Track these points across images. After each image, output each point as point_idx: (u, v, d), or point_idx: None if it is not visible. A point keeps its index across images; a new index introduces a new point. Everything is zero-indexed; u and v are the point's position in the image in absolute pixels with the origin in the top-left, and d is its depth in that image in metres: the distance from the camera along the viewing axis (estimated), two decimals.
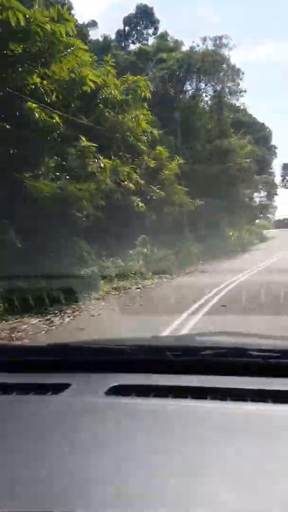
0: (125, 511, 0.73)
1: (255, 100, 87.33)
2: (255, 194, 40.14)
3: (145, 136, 14.03)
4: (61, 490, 0.78)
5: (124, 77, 13.60)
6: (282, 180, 52.07)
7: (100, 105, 11.86)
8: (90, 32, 20.26)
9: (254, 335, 1.92)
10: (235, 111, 31.36)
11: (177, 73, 23.21)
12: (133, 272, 10.92)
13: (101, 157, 9.74)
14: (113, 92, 12.03)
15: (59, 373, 1.36)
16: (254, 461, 0.86)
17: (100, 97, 12.06)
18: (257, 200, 40.13)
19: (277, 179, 45.64)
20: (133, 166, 12.18)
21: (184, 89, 24.50)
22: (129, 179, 12.04)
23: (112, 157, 11.15)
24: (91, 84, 11.13)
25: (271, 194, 39.84)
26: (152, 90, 15.85)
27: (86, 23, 21.52)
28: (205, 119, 24.80)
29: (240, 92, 26.34)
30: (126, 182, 11.96)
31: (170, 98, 24.18)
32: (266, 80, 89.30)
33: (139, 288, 10.16)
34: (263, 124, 40.70)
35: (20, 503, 0.74)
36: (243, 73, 25.48)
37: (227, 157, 22.47)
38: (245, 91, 26.53)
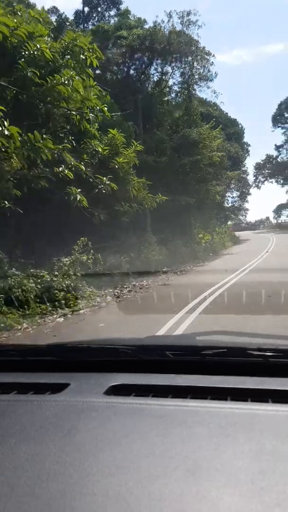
0: (124, 511, 0.73)
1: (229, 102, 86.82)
2: (228, 194, 37.78)
3: (93, 114, 11.01)
4: (60, 490, 0.78)
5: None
6: (255, 181, 50.23)
7: (22, 63, 8.74)
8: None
9: (254, 334, 2.07)
10: (204, 104, 28.72)
11: (139, 54, 20.32)
12: (62, 289, 7.73)
13: (6, 123, 6.56)
14: (40, 47, 8.95)
15: (58, 373, 1.37)
16: (255, 461, 0.85)
17: (24, 53, 8.99)
18: (229, 200, 37.76)
19: (250, 178, 43.62)
20: (66, 144, 9.04)
21: (148, 72, 21.62)
22: (65, 164, 9.04)
23: (45, 135, 8.13)
24: (3, 28, 8.06)
25: (244, 194, 37.48)
26: (103, 59, 12.88)
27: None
28: (172, 106, 21.98)
29: (209, 79, 23.49)
30: (62, 169, 8.92)
31: (132, 81, 21.25)
32: (238, 84, 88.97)
33: (65, 316, 7.02)
34: (235, 120, 38.42)
35: (18, 504, 0.75)
36: (213, 56, 22.66)
37: (196, 149, 19.66)
38: (215, 75, 23.69)
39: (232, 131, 36.67)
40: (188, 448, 0.91)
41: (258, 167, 49.16)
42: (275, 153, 50.09)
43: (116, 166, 12.08)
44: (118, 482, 0.79)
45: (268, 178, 50.21)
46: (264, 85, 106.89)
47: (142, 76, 21.51)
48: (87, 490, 0.77)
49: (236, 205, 37.83)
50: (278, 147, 49.09)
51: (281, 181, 51.34)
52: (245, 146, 38.60)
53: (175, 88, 23.55)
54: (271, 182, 51.08)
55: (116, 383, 1.23)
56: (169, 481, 0.79)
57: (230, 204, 37.59)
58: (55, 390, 1.22)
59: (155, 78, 22.22)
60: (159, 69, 21.99)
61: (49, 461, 0.88)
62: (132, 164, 12.81)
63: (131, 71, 21.72)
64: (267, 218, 69.39)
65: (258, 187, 50.52)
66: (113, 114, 14.14)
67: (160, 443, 0.93)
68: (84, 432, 0.99)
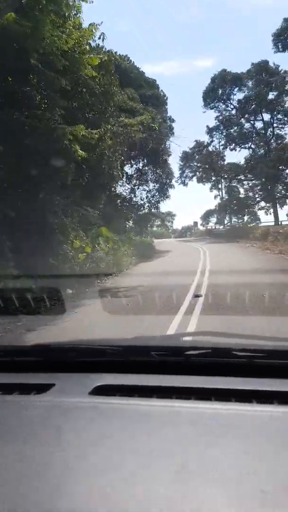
0: (110, 511, 0.73)
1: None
2: (145, 187, 26.34)
3: None
4: (45, 490, 0.78)
5: None
6: (180, 176, 39.59)
7: None
8: None
9: (239, 335, 1.96)
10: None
11: None
12: None
13: None
14: None
15: (43, 373, 1.36)
16: (240, 461, 0.86)
17: None
18: (143, 194, 26.29)
19: (174, 169, 32.74)
20: None
21: None
22: None
23: None
24: None
25: (164, 187, 26.24)
26: None
27: None
28: None
29: None
30: None
31: None
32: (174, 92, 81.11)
33: None
34: (154, 81, 27.26)
35: (4, 503, 0.74)
36: None
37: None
38: None
39: (150, 93, 25.44)
40: (173, 448, 0.92)
41: (186, 157, 38.65)
42: (206, 139, 39.67)
43: None
44: (103, 482, 0.80)
45: (197, 172, 39.78)
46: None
47: None
48: (72, 490, 0.78)
49: (153, 201, 26.42)
50: (210, 130, 38.89)
51: (211, 179, 41.27)
52: (169, 121, 27.58)
53: None
54: (202, 181, 40.80)
55: (101, 384, 1.23)
56: (154, 480, 0.80)
57: (144, 201, 26.16)
58: (40, 390, 1.21)
59: None
60: None
61: (35, 460, 0.89)
62: None
63: None
64: (195, 224, 59.74)
65: (184, 183, 39.94)
66: None
67: (145, 443, 0.94)
68: (69, 432, 1.00)
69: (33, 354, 1.49)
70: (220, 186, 45.13)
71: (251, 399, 1.11)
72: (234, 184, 40.67)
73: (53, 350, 1.53)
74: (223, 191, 44.25)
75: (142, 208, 26.43)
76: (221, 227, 45.10)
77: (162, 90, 27.42)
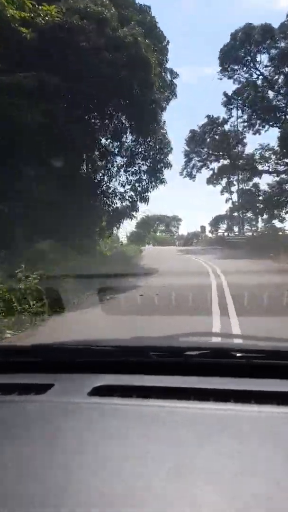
0: (108, 511, 0.73)
1: None
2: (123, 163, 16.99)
3: None
4: (44, 490, 0.79)
5: None
6: (186, 166, 29.78)
7: None
8: None
9: (237, 336, 2.00)
10: None
11: None
12: None
13: None
14: None
15: (42, 374, 1.35)
16: (237, 462, 0.87)
17: None
18: (123, 177, 16.66)
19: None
20: None
21: None
22: None
23: None
24: None
25: (158, 165, 16.36)
26: None
27: None
28: None
29: None
30: None
31: None
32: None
33: None
34: (148, 7, 17.58)
35: (2, 502, 0.75)
36: None
37: None
38: None
39: (139, 18, 15.78)
40: (171, 448, 0.92)
41: (193, 140, 28.80)
42: (222, 114, 29.40)
43: None
44: (101, 481, 0.80)
45: (207, 161, 29.85)
46: None
47: None
48: (71, 490, 0.78)
49: (140, 189, 16.66)
50: (229, 100, 28.03)
51: (225, 175, 31.52)
52: (164, 60, 17.53)
53: None
54: (213, 182, 30.99)
55: (100, 384, 1.23)
56: (152, 480, 0.80)
57: (126, 188, 16.54)
58: (40, 390, 1.21)
59: None
60: None
61: (34, 461, 0.89)
62: None
63: None
64: (203, 229, 49.94)
65: (190, 175, 30.09)
66: None
67: (144, 443, 0.95)
68: (68, 433, 1.00)
69: (33, 354, 1.48)
70: (235, 183, 35.44)
71: (250, 399, 1.11)
72: (254, 182, 30.51)
73: (52, 350, 1.52)
74: (239, 188, 34.37)
75: (121, 199, 16.71)
76: (233, 234, 35.39)
77: (155, 19, 17.51)
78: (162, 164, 16.24)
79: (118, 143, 16.54)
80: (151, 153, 16.41)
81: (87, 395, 1.16)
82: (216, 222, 52.50)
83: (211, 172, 30.05)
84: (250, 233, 33.71)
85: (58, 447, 0.94)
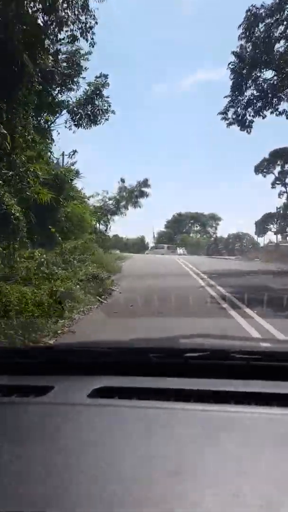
0: (108, 511, 0.73)
1: None
2: None
3: None
4: (44, 491, 0.79)
5: None
6: (232, 104, 19.27)
7: None
8: None
9: (237, 337, 2.10)
10: None
11: None
12: None
13: None
14: None
15: (43, 376, 1.36)
16: (237, 463, 0.87)
17: None
18: None
19: None
20: None
21: None
22: None
23: None
24: None
25: None
26: None
27: None
28: None
29: None
30: None
31: None
32: None
33: None
34: None
35: (2, 504, 0.74)
36: None
37: None
38: None
39: None
40: (171, 449, 0.93)
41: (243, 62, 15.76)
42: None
43: None
44: (102, 482, 0.81)
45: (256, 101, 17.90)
46: None
47: None
48: (71, 491, 0.78)
49: None
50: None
51: None
52: None
53: None
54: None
55: (100, 386, 1.23)
56: (152, 481, 0.81)
57: None
58: (40, 392, 1.21)
59: None
60: None
61: (34, 462, 0.90)
62: None
63: None
64: (262, 230, 41.57)
65: (243, 124, 17.69)
66: None
67: (144, 445, 0.96)
68: (68, 434, 1.01)
69: (33, 356, 1.48)
70: None
71: (250, 401, 1.11)
72: None
73: (52, 352, 1.54)
74: None
75: None
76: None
77: None
78: None
79: None
80: None
81: (87, 397, 1.17)
82: (264, 222, 44.06)
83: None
84: None
85: (58, 448, 0.95)
